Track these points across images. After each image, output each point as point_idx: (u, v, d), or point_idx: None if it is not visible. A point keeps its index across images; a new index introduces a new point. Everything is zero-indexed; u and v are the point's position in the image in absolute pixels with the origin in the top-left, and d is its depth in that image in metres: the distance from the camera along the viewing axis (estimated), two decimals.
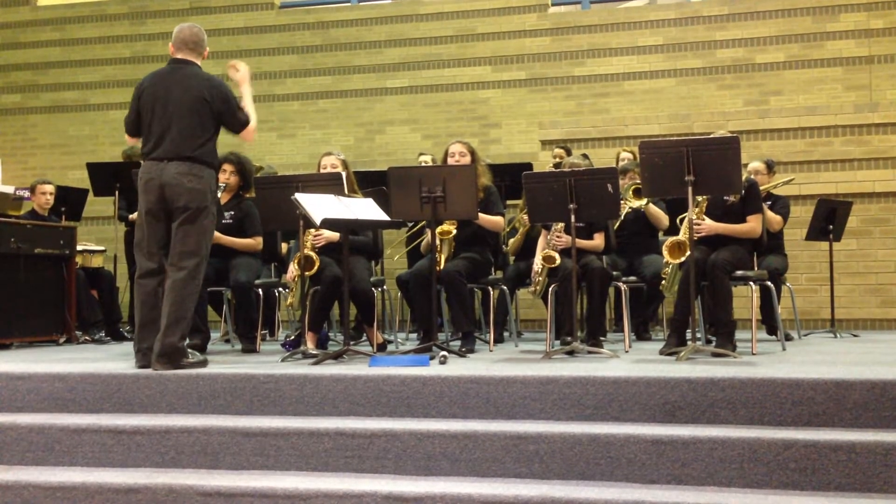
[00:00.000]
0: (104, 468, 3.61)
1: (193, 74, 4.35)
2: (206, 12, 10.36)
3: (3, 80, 10.75)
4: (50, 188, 6.94)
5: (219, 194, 5.46)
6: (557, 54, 9.53)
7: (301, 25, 10.22)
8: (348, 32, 10.09)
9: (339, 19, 10.15)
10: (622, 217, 5.76)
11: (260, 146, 9.85)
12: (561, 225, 5.07)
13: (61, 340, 6.33)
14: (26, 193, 7.04)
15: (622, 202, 5.60)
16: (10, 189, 6.46)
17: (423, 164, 6.67)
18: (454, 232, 5.31)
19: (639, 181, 5.61)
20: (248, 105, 4.47)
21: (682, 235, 4.85)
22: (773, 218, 6.01)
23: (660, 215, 5.92)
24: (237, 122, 4.39)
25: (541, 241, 5.28)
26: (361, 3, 10.48)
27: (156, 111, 4.28)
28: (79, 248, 6.68)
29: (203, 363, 4.29)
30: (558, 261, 4.99)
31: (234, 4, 10.38)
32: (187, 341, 4.46)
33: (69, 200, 7.20)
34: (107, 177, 6.90)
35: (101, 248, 7.17)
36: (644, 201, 5.72)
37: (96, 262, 6.98)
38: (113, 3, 10.70)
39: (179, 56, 4.40)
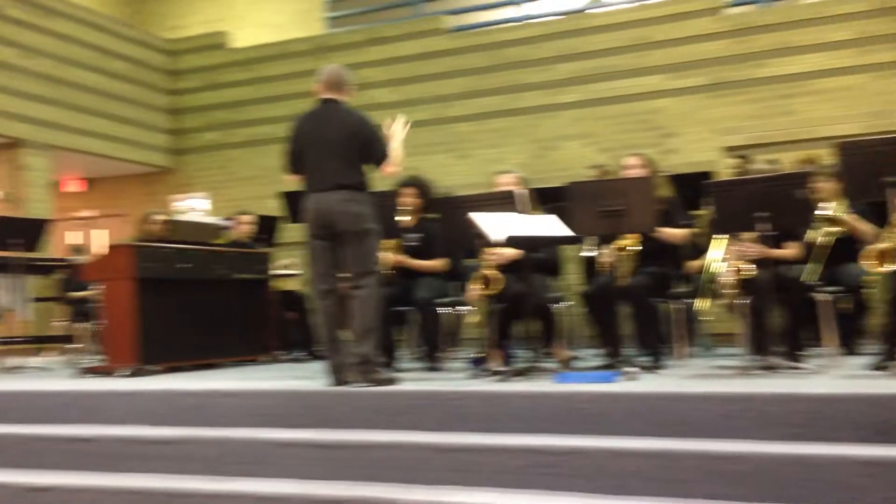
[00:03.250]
0: (309, 480, 3.78)
1: (342, 110, 4.70)
2: (382, 42, 10.79)
3: (204, 119, 11.65)
4: (249, 218, 7.45)
5: (401, 218, 5.68)
6: (737, 57, 9.15)
7: (471, 48, 10.41)
8: (518, 51, 10.17)
9: (509, 39, 10.25)
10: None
11: (436, 168, 10.07)
12: (751, 234, 4.85)
13: (263, 359, 6.74)
14: (229, 223, 7.58)
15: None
16: (214, 220, 6.99)
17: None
18: (636, 246, 5.20)
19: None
20: (394, 148, 4.74)
21: (888, 243, 4.51)
22: None
23: (867, 230, 5.36)
24: (377, 155, 4.67)
25: (729, 251, 5.07)
26: (531, 21, 10.55)
27: (312, 149, 4.67)
28: (275, 272, 7.10)
29: (392, 381, 4.45)
30: (748, 272, 4.77)
31: (407, 33, 10.74)
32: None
33: (266, 228, 7.68)
34: (299, 204, 7.29)
35: (296, 271, 7.59)
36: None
37: (291, 285, 7.40)
38: (297, 42, 11.35)
39: (326, 96, 4.74)
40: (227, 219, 7.74)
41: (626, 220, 4.71)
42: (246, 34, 12.97)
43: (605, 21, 9.81)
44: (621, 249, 5.09)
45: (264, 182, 11.01)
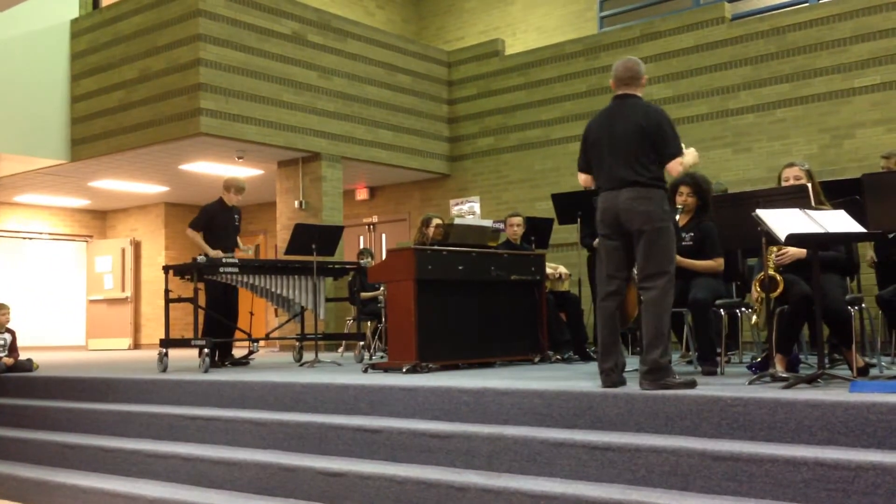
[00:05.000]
0: (581, 481, 3.78)
1: (632, 105, 4.52)
2: (656, 37, 10.53)
3: (479, 125, 12.09)
4: (518, 220, 7.59)
5: (676, 217, 5.49)
6: None
7: (754, 35, 9.84)
8: (807, 34, 9.45)
9: (797, 22, 9.56)
10: None
11: (714, 163, 9.67)
12: None
13: (535, 359, 6.84)
14: (501, 226, 7.79)
15: None
16: (487, 222, 7.20)
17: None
18: None
19: None
20: (686, 155, 4.53)
21: None
22: None
23: None
24: (666, 150, 4.43)
25: None
26: (822, 2, 9.75)
27: (602, 147, 4.53)
28: (548, 272, 7.17)
29: (693, 383, 4.27)
30: None
31: (683, 25, 10.38)
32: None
33: (537, 230, 7.79)
34: (569, 206, 7.32)
35: (568, 272, 7.63)
36: None
37: (563, 286, 7.44)
38: (569, 43, 11.42)
39: (619, 92, 4.61)
40: (497, 221, 7.95)
41: None
42: (519, 40, 13.30)
43: None
44: None
45: (535, 184, 11.22)
